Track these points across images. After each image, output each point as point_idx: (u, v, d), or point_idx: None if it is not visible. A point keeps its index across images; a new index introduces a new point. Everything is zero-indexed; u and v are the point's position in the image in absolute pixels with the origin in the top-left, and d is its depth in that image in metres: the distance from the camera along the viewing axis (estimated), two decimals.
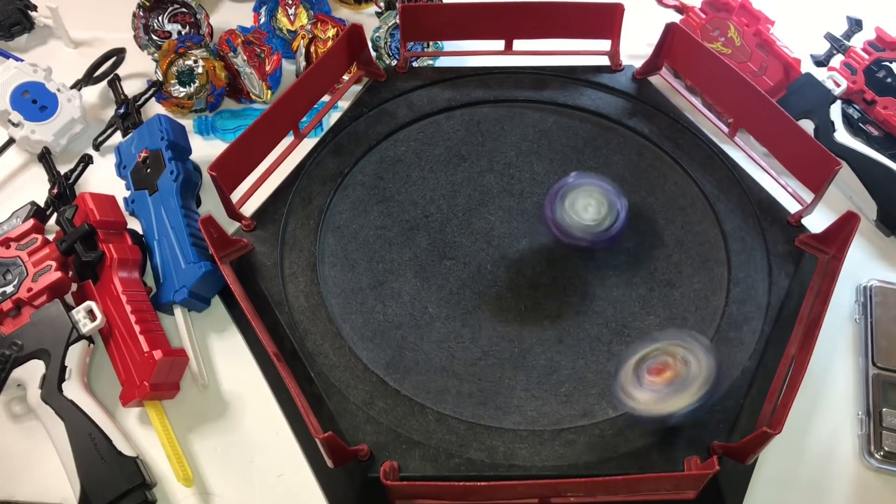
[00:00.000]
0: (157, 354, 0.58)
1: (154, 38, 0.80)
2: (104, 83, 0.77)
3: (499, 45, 0.76)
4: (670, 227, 0.66)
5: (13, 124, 0.71)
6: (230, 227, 0.65)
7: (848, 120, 0.72)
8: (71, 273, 0.64)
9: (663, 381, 0.51)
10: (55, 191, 0.69)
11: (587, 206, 0.60)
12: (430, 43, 0.79)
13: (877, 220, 0.69)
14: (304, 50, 0.77)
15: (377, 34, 0.79)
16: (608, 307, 0.62)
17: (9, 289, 0.61)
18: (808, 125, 0.71)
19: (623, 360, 0.53)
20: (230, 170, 0.63)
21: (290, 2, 0.81)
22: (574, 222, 0.60)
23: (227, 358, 0.63)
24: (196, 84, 0.75)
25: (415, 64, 0.77)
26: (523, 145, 0.71)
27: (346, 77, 0.75)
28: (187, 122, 0.74)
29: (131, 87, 0.77)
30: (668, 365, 0.51)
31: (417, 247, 0.65)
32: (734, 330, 0.60)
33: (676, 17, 0.78)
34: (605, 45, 0.75)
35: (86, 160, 0.71)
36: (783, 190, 0.67)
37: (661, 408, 0.50)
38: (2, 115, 0.71)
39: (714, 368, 0.50)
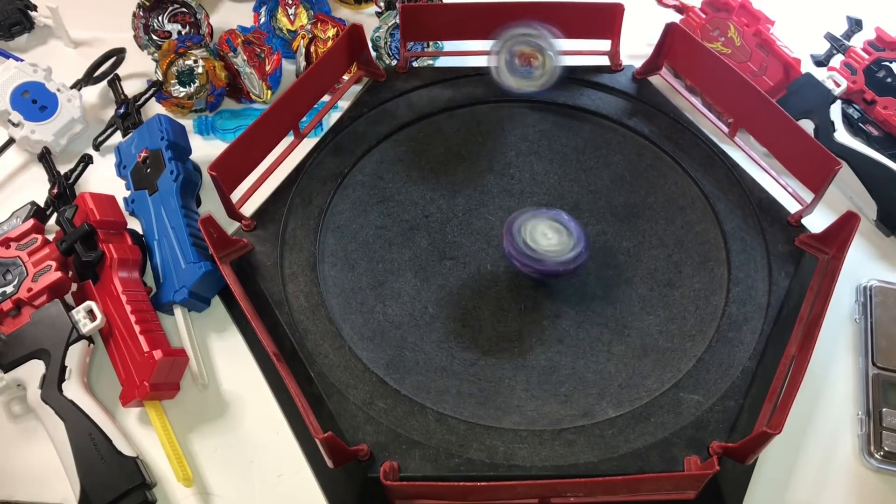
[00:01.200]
0: (157, 354, 0.58)
1: (154, 38, 0.80)
2: (104, 83, 0.77)
3: None
4: (670, 227, 0.66)
5: (13, 124, 0.71)
6: (230, 227, 0.65)
7: (848, 120, 0.72)
8: (71, 273, 0.64)
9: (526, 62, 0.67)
10: (55, 191, 0.69)
11: (545, 234, 0.60)
12: (430, 43, 0.79)
13: (877, 220, 0.69)
14: (304, 50, 0.77)
15: (377, 34, 0.79)
16: (608, 307, 0.62)
17: (9, 289, 0.61)
18: (808, 125, 0.71)
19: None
20: (230, 170, 0.63)
21: (290, 2, 0.81)
22: (538, 252, 0.59)
23: (227, 358, 0.63)
24: (196, 84, 0.75)
25: (415, 64, 0.77)
26: (523, 145, 0.71)
27: (346, 77, 0.75)
28: (187, 122, 0.74)
29: (131, 87, 0.77)
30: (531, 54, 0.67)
31: (417, 247, 0.65)
32: (734, 330, 0.60)
33: (676, 17, 0.78)
34: (605, 45, 0.75)
35: (86, 160, 0.71)
36: (783, 190, 0.67)
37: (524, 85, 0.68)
38: (2, 115, 0.71)
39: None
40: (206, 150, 0.73)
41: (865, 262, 0.68)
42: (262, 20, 0.82)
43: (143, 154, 0.68)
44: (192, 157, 0.70)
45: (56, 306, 0.60)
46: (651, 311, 0.62)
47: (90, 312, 0.60)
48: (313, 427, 0.51)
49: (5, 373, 0.59)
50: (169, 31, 0.80)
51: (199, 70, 0.74)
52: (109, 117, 0.75)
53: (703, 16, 0.78)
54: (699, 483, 0.52)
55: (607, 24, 0.74)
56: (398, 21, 0.75)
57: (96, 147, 0.74)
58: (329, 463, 0.52)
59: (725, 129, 0.71)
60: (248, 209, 0.67)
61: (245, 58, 0.76)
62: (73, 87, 0.75)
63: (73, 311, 0.60)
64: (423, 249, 0.65)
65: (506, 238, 0.60)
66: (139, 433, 0.59)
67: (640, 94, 0.73)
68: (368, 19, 0.85)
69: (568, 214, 0.61)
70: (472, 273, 0.64)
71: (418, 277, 0.63)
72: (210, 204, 0.70)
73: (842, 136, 0.70)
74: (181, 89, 0.75)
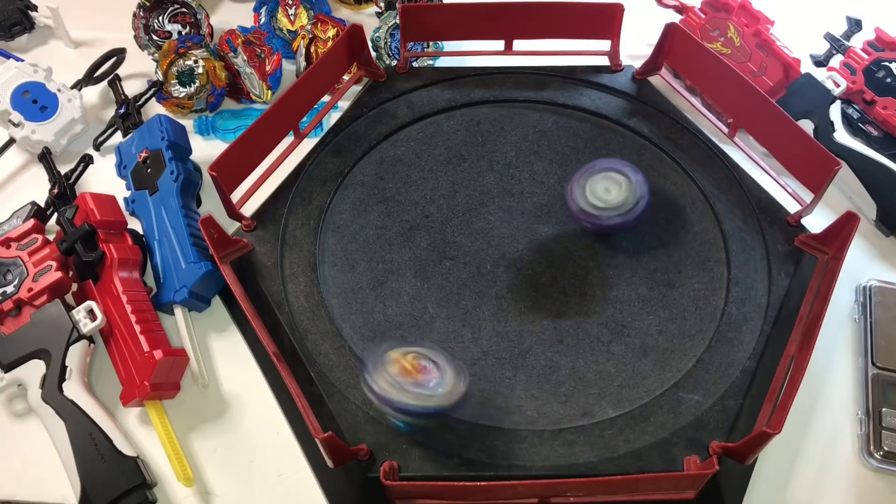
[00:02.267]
0: (158, 354, 0.58)
1: (154, 38, 0.80)
2: (104, 83, 0.77)
3: (499, 45, 0.76)
4: (670, 227, 0.66)
5: (13, 124, 0.71)
6: (230, 227, 0.65)
7: (847, 120, 0.72)
8: (71, 273, 0.64)
9: (409, 378, 0.52)
10: (55, 191, 0.69)
11: (607, 188, 0.62)
12: (430, 43, 0.79)
13: (876, 220, 0.69)
14: (304, 50, 0.77)
15: (377, 34, 0.79)
16: (608, 307, 0.62)
17: (9, 289, 0.61)
18: (807, 125, 0.71)
19: (379, 351, 0.53)
20: (230, 170, 0.63)
21: (291, 2, 0.81)
22: (599, 206, 0.61)
23: (228, 358, 0.63)
24: (196, 84, 0.75)
25: (415, 64, 0.77)
26: (523, 145, 0.71)
27: (346, 77, 0.75)
28: (187, 122, 0.75)
29: (132, 88, 0.77)
30: (417, 369, 0.53)
31: (417, 247, 0.65)
32: (734, 330, 0.60)
33: (676, 18, 0.78)
34: (604, 45, 0.75)
35: (86, 160, 0.71)
36: (783, 190, 0.67)
37: (397, 396, 0.51)
38: (2, 116, 0.71)
39: (460, 396, 0.53)
40: (206, 150, 0.73)
41: (865, 262, 0.68)
42: (263, 20, 0.82)
43: (143, 154, 0.68)
44: (192, 157, 0.70)
45: (56, 306, 0.60)
46: (651, 311, 0.62)
47: (90, 312, 0.60)
48: (313, 427, 0.51)
49: (6, 373, 0.59)
50: (169, 32, 0.80)
51: (200, 70, 0.75)
52: (110, 117, 0.75)
53: (703, 16, 0.78)
54: (699, 483, 0.52)
55: (607, 24, 0.74)
56: (398, 21, 0.75)
57: (97, 147, 0.74)
58: (329, 463, 0.53)
59: (725, 130, 0.71)
60: (249, 209, 0.67)
61: (245, 58, 0.76)
62: (73, 87, 0.75)
63: (74, 311, 0.60)
64: (423, 249, 0.65)
65: (570, 199, 0.62)
66: (139, 433, 0.59)
67: (639, 95, 0.73)
68: (368, 19, 0.85)
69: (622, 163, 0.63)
70: (472, 273, 0.64)
71: (418, 277, 0.64)
72: (210, 204, 0.70)
73: (841, 136, 0.70)
74: (181, 89, 0.75)
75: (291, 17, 0.81)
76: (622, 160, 0.63)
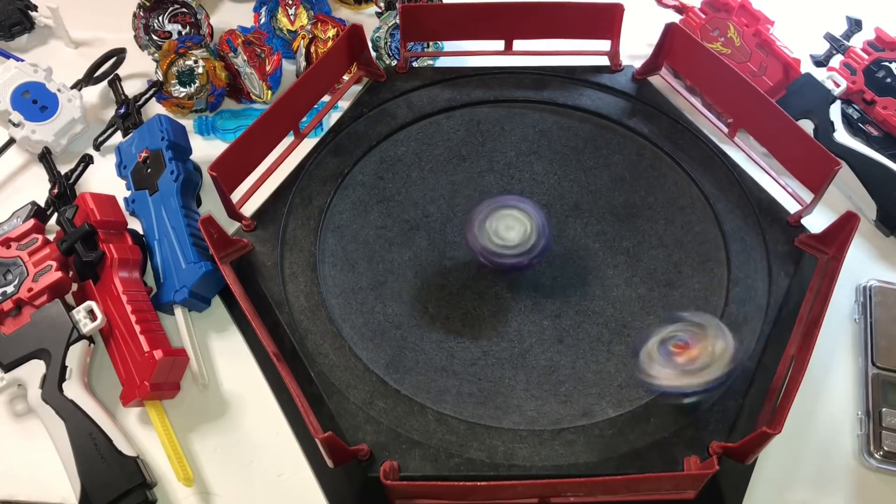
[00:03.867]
0: (158, 354, 0.58)
1: (154, 38, 0.80)
2: (104, 83, 0.77)
3: (499, 45, 0.76)
4: (670, 227, 0.66)
5: (14, 124, 0.71)
6: (230, 227, 0.65)
7: (847, 120, 0.72)
8: (71, 273, 0.64)
9: (689, 357, 0.52)
10: (55, 191, 0.69)
11: (509, 227, 0.59)
12: (430, 43, 0.79)
13: (876, 220, 0.69)
14: (304, 50, 0.77)
15: (377, 34, 0.79)
16: (608, 307, 0.62)
17: (9, 289, 0.61)
18: (807, 125, 0.71)
19: (645, 339, 0.54)
20: (230, 170, 0.63)
21: (291, 2, 0.81)
22: (499, 245, 0.59)
23: (228, 358, 0.63)
24: (196, 84, 0.75)
25: (415, 64, 0.77)
26: (523, 145, 0.71)
27: (346, 77, 0.75)
28: (187, 122, 0.75)
29: (132, 88, 0.77)
30: (692, 344, 0.53)
31: (417, 247, 0.65)
32: (734, 330, 0.60)
33: (676, 18, 0.78)
34: (604, 45, 0.75)
35: (86, 160, 0.71)
36: (783, 190, 0.67)
37: (685, 382, 0.52)
38: (2, 116, 0.71)
39: (736, 348, 0.52)
40: (206, 150, 0.73)
41: (865, 262, 0.68)
42: (263, 20, 0.82)
43: (143, 154, 0.68)
44: (192, 157, 0.70)
45: (56, 306, 0.60)
46: (651, 311, 0.62)
47: (90, 312, 0.60)
48: (313, 427, 0.51)
49: (6, 373, 0.59)
50: (169, 32, 0.80)
51: (200, 70, 0.75)
52: (110, 117, 0.75)
53: (703, 16, 0.78)
54: (699, 483, 0.52)
55: (607, 24, 0.74)
56: (398, 21, 0.75)
57: (97, 147, 0.74)
58: (329, 463, 0.53)
59: (725, 130, 0.71)
60: (249, 209, 0.67)
61: (245, 58, 0.76)
62: (73, 87, 0.75)
63: (74, 311, 0.60)
64: (423, 249, 0.65)
65: (470, 236, 0.60)
66: (139, 433, 0.59)
67: (639, 95, 0.73)
68: (368, 19, 0.85)
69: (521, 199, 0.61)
70: (471, 273, 0.64)
71: (418, 277, 0.64)
72: (210, 204, 0.70)
73: (841, 136, 0.70)
74: (181, 89, 0.75)
75: (291, 17, 0.81)
76: (522, 198, 0.61)
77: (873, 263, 0.68)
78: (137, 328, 0.59)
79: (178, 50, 0.75)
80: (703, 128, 0.71)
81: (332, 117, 0.73)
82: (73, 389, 0.58)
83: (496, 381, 0.59)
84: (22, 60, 0.77)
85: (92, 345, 0.61)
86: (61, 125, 0.72)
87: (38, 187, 0.72)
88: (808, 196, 0.65)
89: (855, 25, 0.77)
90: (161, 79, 0.75)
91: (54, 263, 0.62)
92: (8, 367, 0.59)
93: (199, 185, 0.69)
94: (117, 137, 0.74)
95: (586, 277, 0.63)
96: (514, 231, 0.59)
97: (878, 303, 0.64)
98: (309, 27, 0.79)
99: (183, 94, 0.75)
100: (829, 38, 0.77)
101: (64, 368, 0.58)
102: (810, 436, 0.59)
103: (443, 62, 0.79)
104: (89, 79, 0.76)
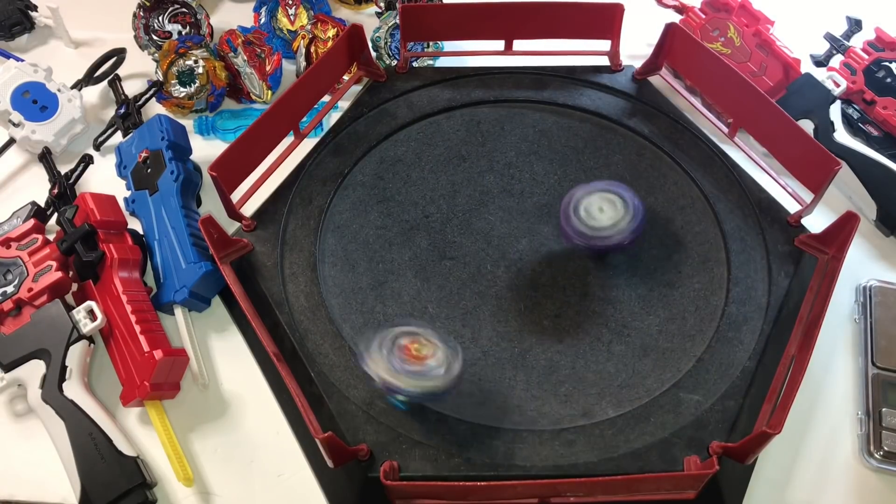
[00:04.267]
0: (158, 354, 0.58)
1: (154, 38, 0.80)
2: (105, 83, 0.77)
3: (499, 45, 0.76)
4: (670, 227, 0.66)
5: (14, 124, 0.71)
6: (230, 227, 0.65)
7: (847, 120, 0.72)
8: (71, 273, 0.64)
9: (414, 359, 0.53)
10: (55, 191, 0.69)
11: (601, 208, 0.61)
12: (430, 43, 0.79)
13: (877, 220, 0.69)
14: (304, 50, 0.77)
15: (377, 34, 0.79)
16: (608, 307, 0.62)
17: (9, 289, 0.61)
18: (807, 125, 0.71)
19: (381, 333, 0.54)
20: (230, 170, 0.63)
21: (291, 2, 0.81)
22: (593, 227, 0.61)
23: (228, 358, 0.63)
24: (196, 84, 0.75)
25: (415, 64, 0.77)
26: (523, 145, 0.71)
27: (346, 77, 0.75)
28: (187, 123, 0.75)
29: (132, 88, 0.77)
30: (419, 351, 0.53)
31: (417, 247, 0.65)
32: (734, 330, 0.60)
33: (676, 18, 0.78)
34: (605, 45, 0.75)
35: (86, 160, 0.71)
36: (783, 190, 0.67)
37: (398, 381, 0.52)
38: (2, 116, 0.71)
39: (456, 376, 0.53)
40: (206, 150, 0.73)
41: (865, 262, 0.68)
42: (263, 20, 0.82)
43: (143, 154, 0.68)
44: (192, 157, 0.70)
45: (56, 306, 0.60)
46: (651, 311, 0.62)
47: (90, 312, 0.60)
48: (313, 427, 0.51)
49: (6, 373, 0.59)
50: (169, 32, 0.80)
51: (200, 70, 0.75)
52: (110, 117, 0.75)
53: (703, 16, 0.78)
54: (699, 483, 0.52)
55: (607, 24, 0.74)
56: (398, 21, 0.75)
57: (97, 147, 0.74)
58: (329, 463, 0.53)
59: (725, 130, 0.71)
60: (249, 209, 0.67)
61: (245, 58, 0.76)
62: (73, 87, 0.75)
63: (74, 311, 0.60)
64: (423, 249, 0.65)
65: (563, 219, 0.62)
66: (139, 433, 0.59)
67: (639, 95, 0.73)
68: (368, 19, 0.85)
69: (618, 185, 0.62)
70: (472, 273, 0.64)
71: (418, 277, 0.64)
72: (210, 204, 0.70)
73: (841, 136, 0.70)
74: (181, 89, 0.75)
75: (291, 17, 0.81)
76: (616, 182, 0.63)
77: (873, 263, 0.68)
78: (137, 328, 0.59)
79: (178, 50, 0.75)
80: (703, 128, 0.71)
81: (332, 117, 0.73)
82: (73, 389, 0.58)
83: (496, 381, 0.58)
84: (22, 60, 0.77)
85: (92, 345, 0.61)
86: (61, 125, 0.72)
87: (38, 187, 0.72)
88: (808, 196, 0.65)
89: (855, 25, 0.77)
90: (161, 79, 0.75)
91: (54, 263, 0.62)
92: (8, 367, 0.59)
93: (199, 185, 0.69)
94: (117, 137, 0.74)
95: (586, 277, 0.63)
96: (607, 213, 0.61)
97: (878, 303, 0.64)
98: (309, 27, 0.79)
99: (183, 94, 0.75)
100: (829, 38, 0.77)
101: (64, 368, 0.58)
102: (810, 436, 0.59)
103: (443, 62, 0.79)
104: (89, 79, 0.76)
